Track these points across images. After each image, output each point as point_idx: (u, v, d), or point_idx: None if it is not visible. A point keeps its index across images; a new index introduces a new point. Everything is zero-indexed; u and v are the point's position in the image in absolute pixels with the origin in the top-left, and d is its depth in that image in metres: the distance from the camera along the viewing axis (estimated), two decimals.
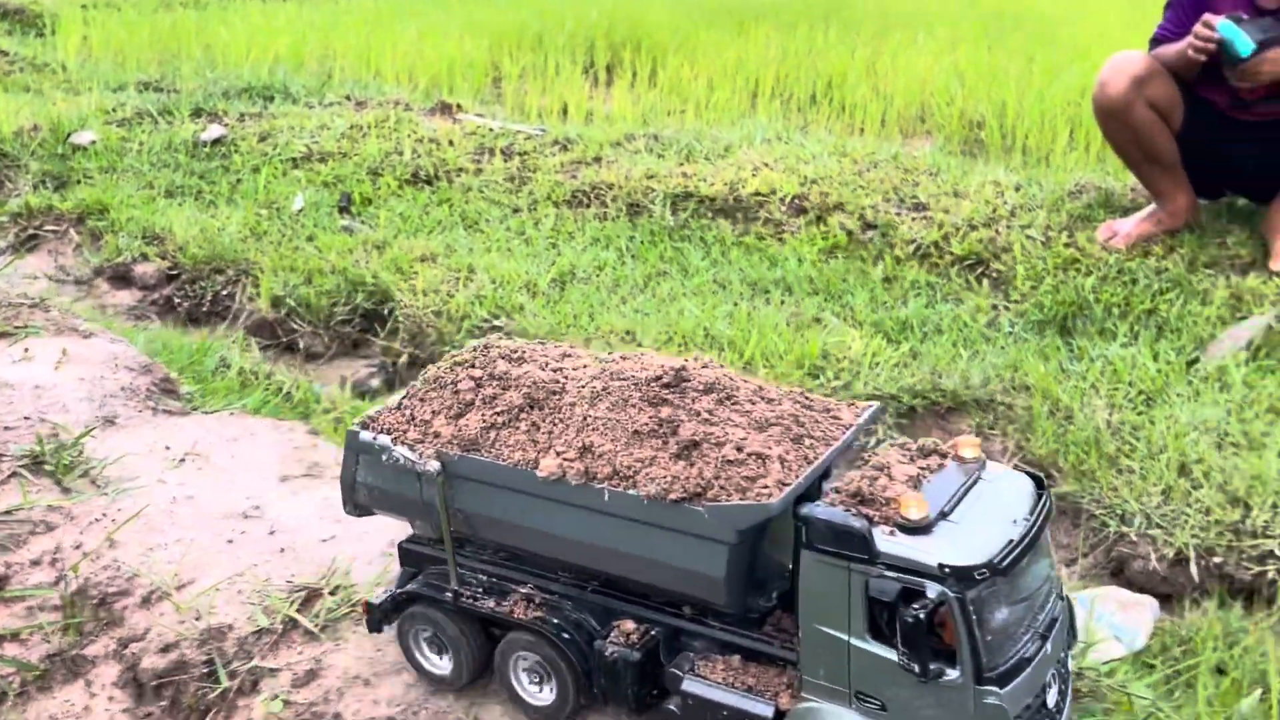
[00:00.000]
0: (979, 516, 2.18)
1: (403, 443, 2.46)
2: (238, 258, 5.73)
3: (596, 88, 8.51)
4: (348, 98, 8.06)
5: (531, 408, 2.47)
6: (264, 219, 6.17)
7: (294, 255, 5.64)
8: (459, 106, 7.63)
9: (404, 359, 5.02)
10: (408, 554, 2.71)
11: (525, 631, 2.47)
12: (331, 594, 2.89)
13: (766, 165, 6.21)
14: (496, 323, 4.92)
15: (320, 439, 3.69)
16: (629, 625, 2.48)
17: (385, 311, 5.26)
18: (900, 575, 2.04)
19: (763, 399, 2.55)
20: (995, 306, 5.00)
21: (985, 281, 5.20)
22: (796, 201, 5.85)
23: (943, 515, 2.14)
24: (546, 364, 2.65)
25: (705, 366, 2.55)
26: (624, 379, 2.46)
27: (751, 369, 4.50)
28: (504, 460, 2.43)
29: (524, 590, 2.56)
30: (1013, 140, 6.99)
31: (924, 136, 7.51)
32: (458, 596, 2.55)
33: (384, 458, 2.47)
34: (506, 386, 2.52)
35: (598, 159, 6.59)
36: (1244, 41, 4.52)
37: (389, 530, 3.10)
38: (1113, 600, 3.06)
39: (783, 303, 5.11)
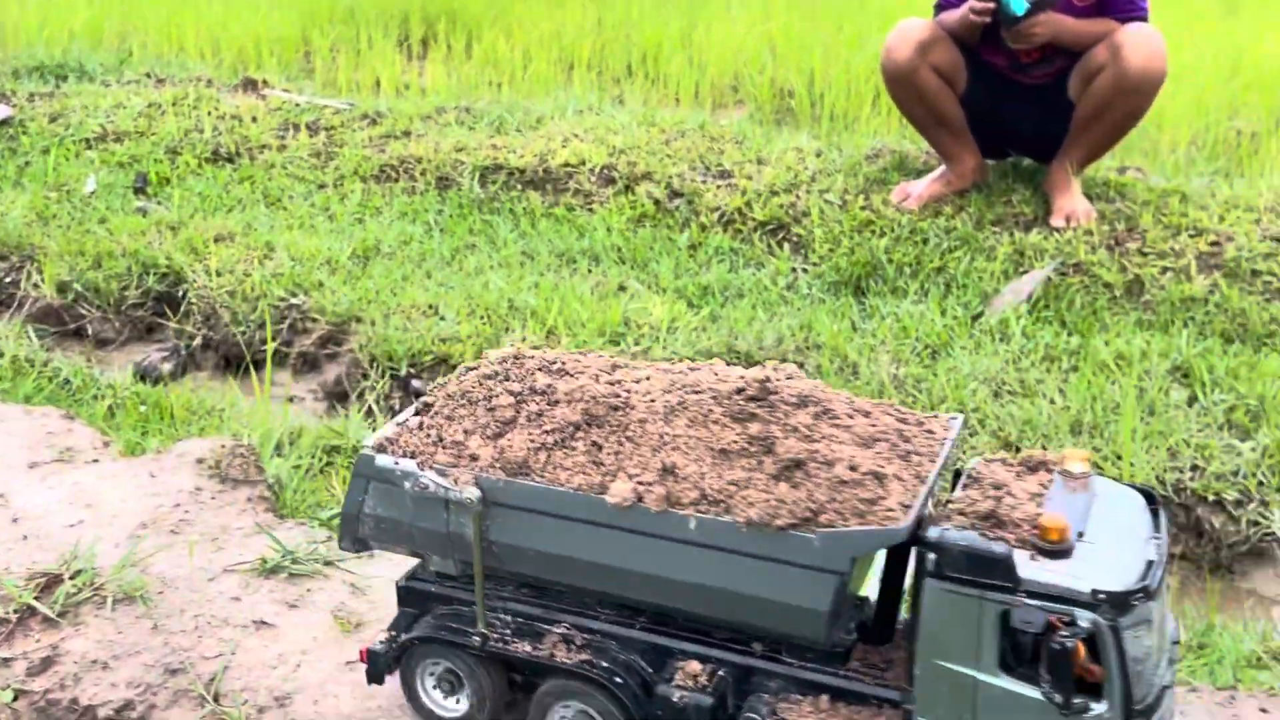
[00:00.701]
0: (1111, 536, 2.03)
1: (431, 467, 2.19)
2: (22, 243, 5.44)
3: (411, 61, 8.37)
4: (148, 75, 7.74)
5: (590, 425, 2.20)
6: (53, 202, 5.89)
7: (84, 239, 5.39)
8: (265, 82, 7.40)
9: (198, 341, 4.86)
10: (410, 593, 2.42)
11: (569, 678, 2.22)
12: (72, 578, 2.77)
13: (577, 136, 6.20)
14: (294, 300, 4.80)
15: (76, 423, 3.54)
16: (694, 666, 2.25)
17: (179, 294, 5.07)
18: (1045, 603, 1.89)
19: (859, 411, 2.33)
20: (794, 269, 5.11)
21: (786, 245, 5.31)
22: (605, 172, 5.86)
23: (1079, 536, 1.99)
24: (597, 376, 2.39)
25: (790, 377, 2.33)
26: (700, 391, 2.23)
27: (555, 338, 4.51)
28: (561, 485, 2.15)
29: (559, 630, 2.31)
30: (821, 108, 7.14)
31: (737, 106, 7.60)
32: (486, 640, 2.28)
33: (407, 485, 2.19)
34: (555, 401, 2.26)
35: (407, 133, 6.48)
36: (1018, 2, 4.71)
37: (139, 513, 3.00)
38: None
39: (589, 272, 5.12)
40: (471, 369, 2.46)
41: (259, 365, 4.45)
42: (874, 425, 2.27)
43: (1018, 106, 5.15)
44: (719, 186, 5.65)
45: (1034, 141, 5.33)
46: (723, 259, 5.24)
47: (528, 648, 2.27)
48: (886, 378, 4.18)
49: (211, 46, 8.36)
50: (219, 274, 5.01)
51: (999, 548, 1.93)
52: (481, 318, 4.60)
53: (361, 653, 2.39)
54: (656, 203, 5.63)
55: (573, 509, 2.16)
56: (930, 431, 2.33)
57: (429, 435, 2.27)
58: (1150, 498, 2.21)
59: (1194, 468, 3.73)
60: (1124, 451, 3.78)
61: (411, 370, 4.35)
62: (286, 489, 3.18)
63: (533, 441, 2.20)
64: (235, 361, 4.80)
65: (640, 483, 2.11)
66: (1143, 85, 4.79)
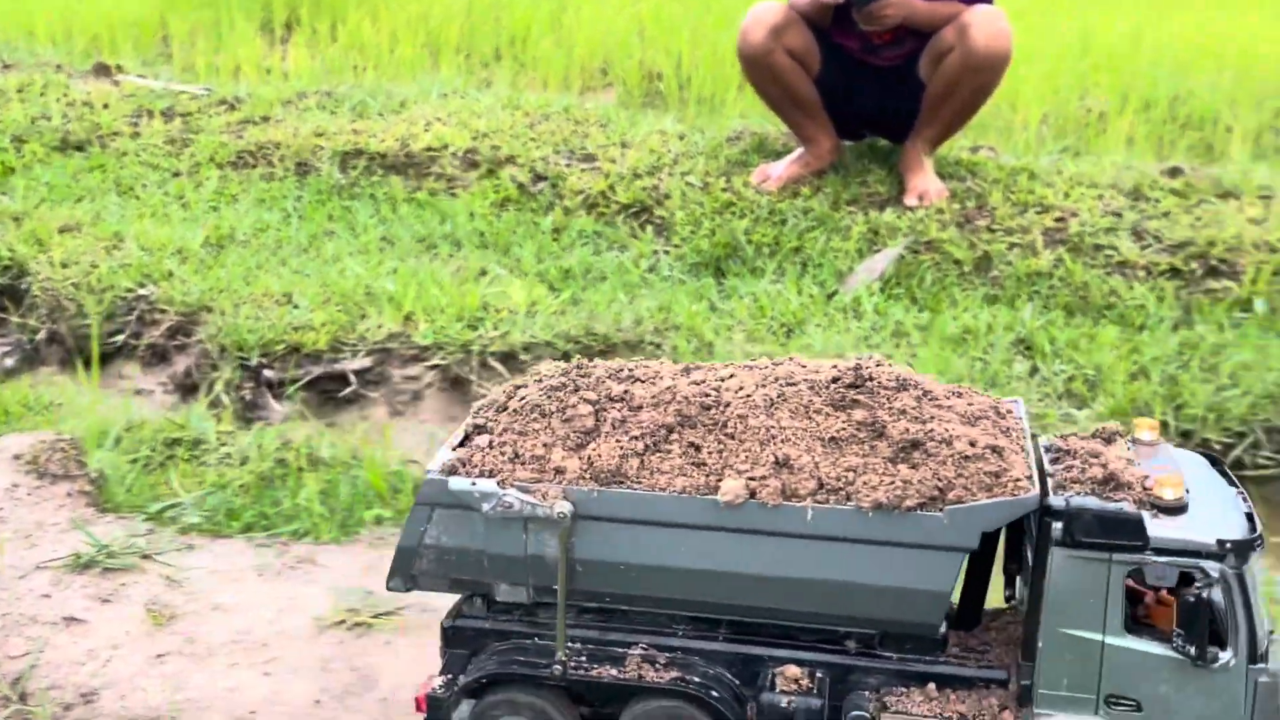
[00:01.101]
0: (1203, 493, 2.09)
1: (513, 484, 2.08)
2: None
3: (274, 46, 8.18)
4: None
5: (684, 426, 2.13)
6: None
7: None
8: (119, 68, 7.17)
9: (42, 335, 4.69)
10: (458, 633, 2.29)
11: (660, 698, 2.15)
12: None
13: (440, 120, 6.14)
14: (143, 291, 4.67)
15: None
16: (794, 670, 2.21)
17: (22, 287, 4.89)
18: (1174, 558, 1.93)
19: (952, 393, 2.31)
20: (656, 252, 5.14)
21: (649, 228, 5.33)
22: (468, 156, 5.82)
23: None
24: (674, 379, 2.29)
25: (879, 364, 2.28)
26: (795, 383, 2.18)
27: (413, 323, 4.47)
28: (661, 489, 2.08)
29: (638, 651, 2.23)
30: (689, 90, 7.17)
31: (606, 89, 7.60)
32: (566, 668, 2.18)
33: (487, 507, 2.06)
34: (637, 406, 2.18)
35: (266, 118, 6.34)
36: None
37: None
38: None
39: (451, 257, 5.08)
40: (521, 386, 2.34)
41: (107, 359, 4.32)
42: (970, 404, 2.27)
43: (870, 87, 5.24)
44: (583, 170, 5.65)
45: (886, 122, 5.43)
46: (586, 242, 5.24)
47: (612, 671, 2.19)
48: (741, 357, 4.23)
49: (63, 31, 8.06)
50: (64, 265, 4.85)
51: (1129, 508, 1.97)
52: (337, 305, 4.53)
53: (419, 700, 2.23)
54: (520, 186, 5.61)
55: (677, 513, 2.08)
56: (1003, 412, 2.34)
57: (503, 453, 2.15)
58: (1212, 459, 2.29)
59: (1031, 437, 3.84)
60: None
61: (263, 360, 4.27)
62: (114, 483, 3.10)
63: (623, 449, 2.12)
64: (83, 355, 4.66)
65: (752, 478, 2.06)
66: (989, 64, 4.91)
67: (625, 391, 2.20)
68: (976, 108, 5.17)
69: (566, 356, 4.32)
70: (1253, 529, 2.00)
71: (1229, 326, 4.45)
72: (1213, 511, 2.04)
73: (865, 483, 2.02)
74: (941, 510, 2.00)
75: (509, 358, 4.28)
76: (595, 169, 5.65)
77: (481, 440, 2.19)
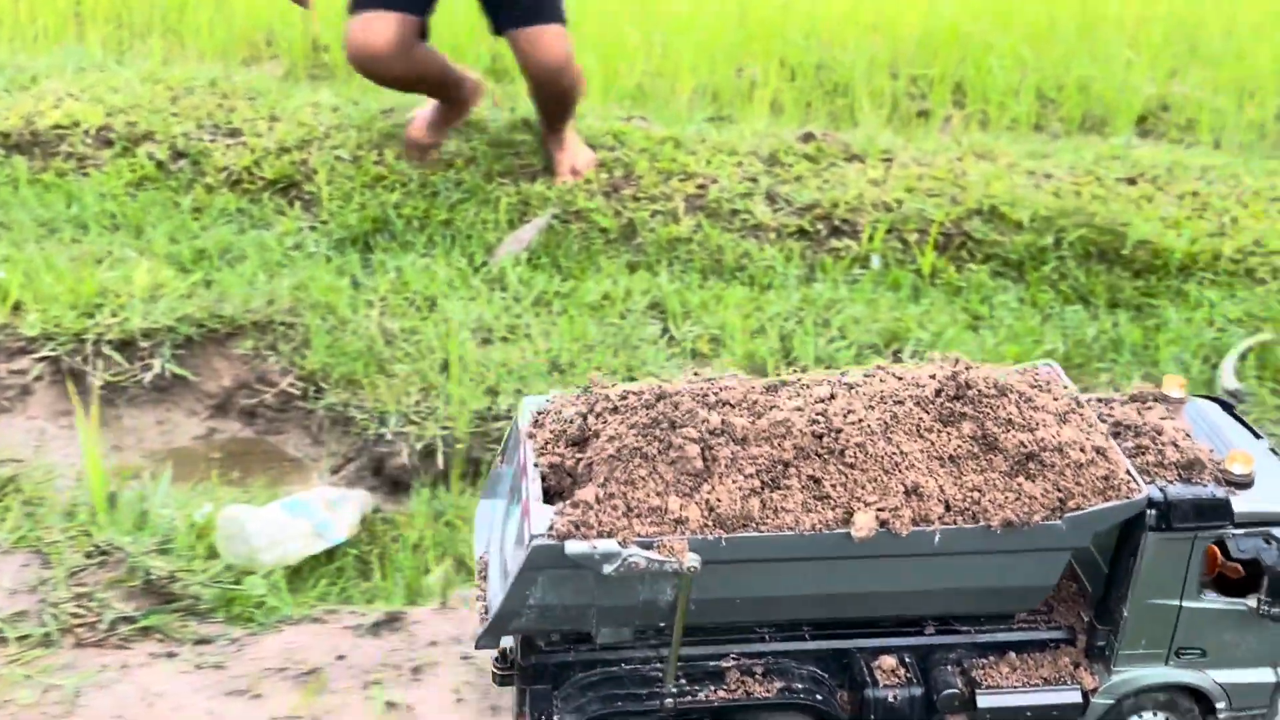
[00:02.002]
0: (1254, 457, 2.27)
1: (633, 542, 1.98)
2: None
3: None
4: None
5: (800, 459, 2.07)
6: None
7: None
8: None
9: None
10: (540, 670, 2.20)
11: (768, 711, 2.15)
12: None
13: (72, 96, 5.75)
14: None
15: None
16: (890, 661, 2.26)
17: None
18: (1250, 529, 2.18)
19: (1041, 388, 2.33)
20: (302, 228, 5.00)
21: (297, 204, 5.18)
22: (102, 133, 5.48)
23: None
24: (755, 401, 2.20)
25: (969, 369, 2.27)
26: (901, 402, 2.16)
27: (21, 313, 4.18)
28: (791, 529, 2.03)
29: (732, 663, 2.21)
30: None
31: (272, 61, 7.32)
32: (679, 696, 2.16)
33: (609, 568, 1.96)
34: (743, 439, 2.08)
35: None
36: None
37: None
38: (320, 499, 3.19)
39: (75, 241, 4.78)
40: (590, 413, 2.23)
41: None
42: (1053, 395, 2.31)
43: None
44: (228, 145, 5.43)
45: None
46: (229, 220, 5.05)
47: (719, 693, 2.16)
48: (377, 332, 4.19)
49: None
50: None
51: (1220, 493, 2.18)
52: None
53: None
54: (159, 164, 5.34)
55: (806, 550, 2.05)
56: (1048, 379, 2.41)
57: (615, 508, 2.03)
58: (1226, 406, 2.53)
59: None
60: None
61: None
62: None
63: (742, 489, 2.04)
64: None
65: (880, 509, 2.04)
66: (549, 77, 4.95)
67: (724, 423, 2.11)
68: (572, 102, 5.20)
69: (190, 341, 4.16)
70: None
71: (846, 283, 4.74)
72: (1269, 476, 2.28)
73: (991, 501, 2.08)
74: (1061, 519, 2.10)
75: (126, 345, 4.07)
76: (241, 144, 5.44)
77: (587, 494, 2.05)
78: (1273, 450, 2.39)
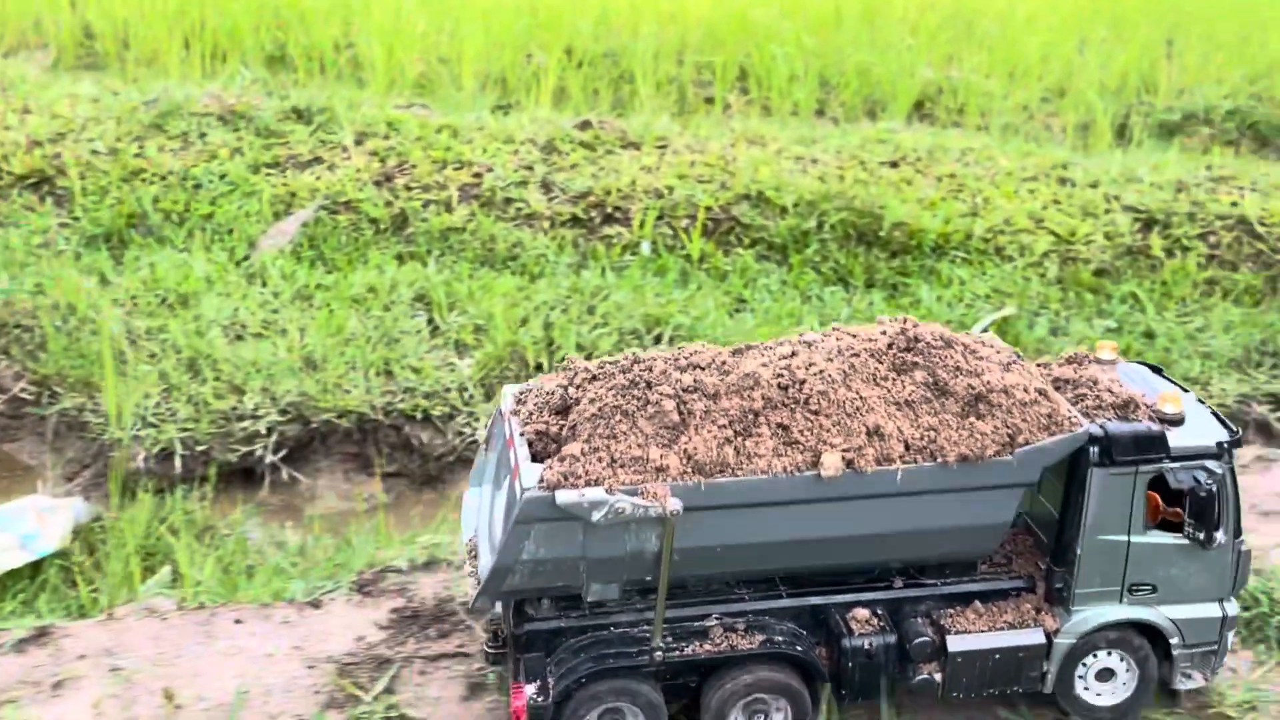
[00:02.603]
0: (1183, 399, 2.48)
1: (619, 490, 2.13)
2: None
3: None
4: None
5: (769, 409, 2.26)
6: None
7: None
8: None
9: None
10: (534, 638, 2.30)
11: (753, 663, 2.32)
12: None
13: None
14: None
15: None
16: (863, 613, 2.45)
17: None
18: (1185, 463, 2.37)
19: (983, 343, 2.52)
20: (53, 226, 4.79)
21: (49, 200, 4.96)
22: None
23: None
24: (723, 363, 2.40)
25: (917, 325, 2.47)
26: (858, 354, 2.36)
27: None
28: (764, 473, 2.21)
29: (715, 621, 2.38)
30: (129, 51, 6.73)
31: (41, 50, 6.98)
32: (667, 653, 2.31)
33: (596, 515, 2.12)
34: (716, 395, 2.26)
35: None
36: None
37: None
38: (31, 509, 3.06)
39: None
40: (558, 385, 2.37)
41: None
42: (994, 348, 2.52)
43: None
44: None
45: None
46: None
47: (706, 647, 2.32)
48: (121, 332, 4.04)
49: None
50: None
51: (1156, 428, 2.39)
52: None
53: (516, 712, 2.22)
54: None
55: (779, 492, 2.22)
56: (988, 340, 2.62)
57: (600, 459, 2.18)
58: (1155, 368, 2.74)
59: (406, 389, 3.95)
60: (344, 381, 3.92)
61: None
62: None
63: (716, 439, 2.21)
64: None
65: (846, 450, 2.23)
66: None
67: (696, 380, 2.29)
68: None
69: None
70: (1233, 429, 2.48)
71: (616, 270, 4.78)
72: (1198, 418, 2.52)
73: (946, 439, 2.30)
74: (1011, 454, 2.31)
75: None
76: None
77: (573, 449, 2.19)
78: (1199, 400, 2.63)
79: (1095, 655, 2.53)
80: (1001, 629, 2.46)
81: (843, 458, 2.23)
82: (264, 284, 4.49)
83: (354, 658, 2.64)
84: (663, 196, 5.11)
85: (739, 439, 2.25)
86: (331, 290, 4.48)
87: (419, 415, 3.89)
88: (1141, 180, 5.39)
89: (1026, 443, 2.30)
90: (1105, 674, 2.57)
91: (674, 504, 2.14)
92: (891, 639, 2.43)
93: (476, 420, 3.96)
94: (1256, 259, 5.06)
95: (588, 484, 2.17)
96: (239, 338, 4.13)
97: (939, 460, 2.28)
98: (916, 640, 2.43)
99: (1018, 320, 4.60)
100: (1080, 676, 2.54)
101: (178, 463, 3.60)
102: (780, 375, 2.33)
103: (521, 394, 2.52)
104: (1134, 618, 2.49)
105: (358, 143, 5.33)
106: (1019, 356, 2.55)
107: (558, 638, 2.34)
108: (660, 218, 5.03)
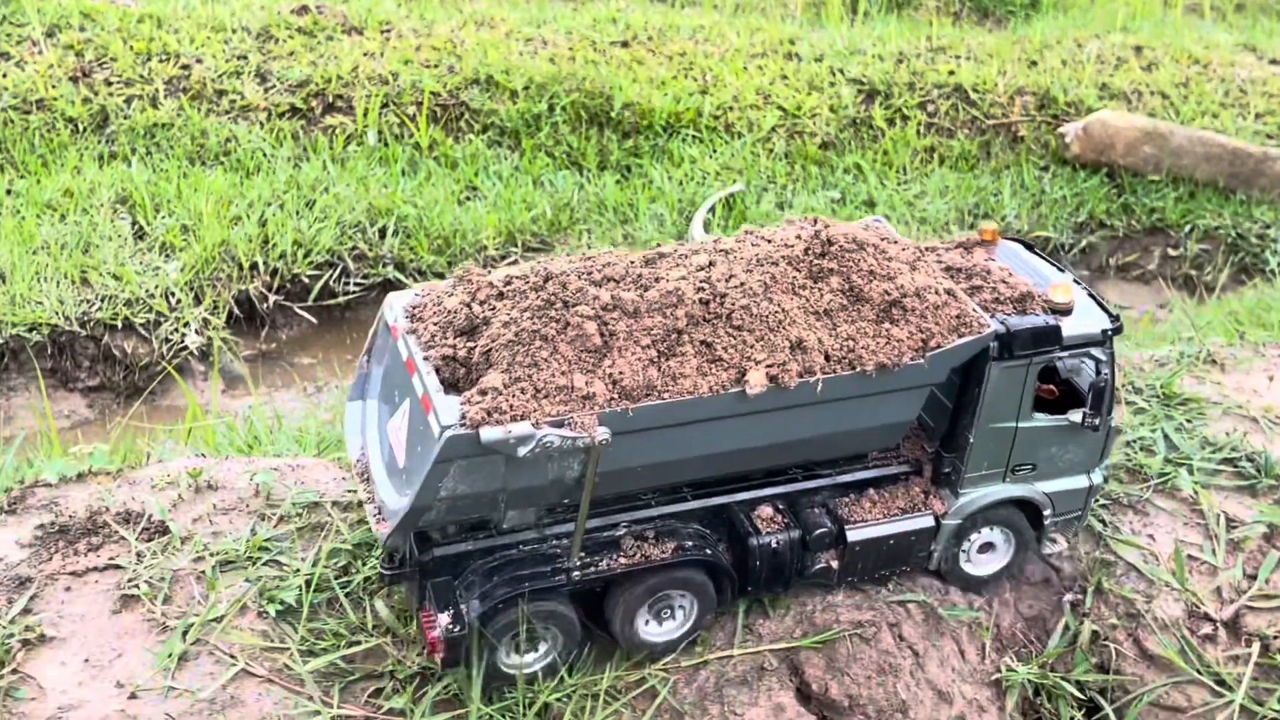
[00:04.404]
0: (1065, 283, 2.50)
1: (545, 423, 2.02)
2: None
3: None
4: None
5: (692, 326, 2.15)
6: None
7: None
8: None
9: None
10: (440, 563, 2.21)
11: (660, 572, 2.31)
12: None
13: None
14: None
15: None
16: (767, 511, 2.45)
17: None
18: (1073, 351, 2.43)
19: (888, 240, 2.47)
20: None
21: None
22: None
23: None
24: (639, 275, 2.25)
25: (828, 225, 2.42)
26: (776, 263, 2.27)
27: None
28: (691, 394, 2.13)
29: (624, 531, 2.33)
30: None
31: None
32: (585, 569, 2.27)
33: (523, 450, 1.97)
34: (636, 312, 2.13)
35: None
36: None
37: None
38: None
39: None
40: (473, 300, 2.21)
41: None
42: (901, 246, 2.48)
43: None
44: None
45: None
46: None
47: (621, 560, 2.28)
48: None
49: None
50: None
51: (1052, 321, 2.41)
52: None
53: (432, 642, 2.14)
54: None
55: (705, 411, 2.16)
56: (886, 234, 2.56)
57: (524, 391, 2.06)
58: (1028, 245, 2.73)
59: (105, 298, 3.71)
60: (34, 293, 3.65)
61: None
62: None
63: (640, 360, 2.14)
64: None
65: (771, 366, 2.18)
66: None
67: (615, 298, 2.18)
68: None
69: None
70: (1114, 315, 2.51)
71: (338, 161, 4.59)
72: (1083, 305, 2.52)
73: (864, 348, 2.28)
74: (924, 358, 2.30)
75: None
76: None
77: (494, 380, 2.07)
78: (1076, 281, 2.64)
79: (979, 532, 2.61)
80: (895, 515, 2.52)
81: (767, 374, 2.18)
82: None
83: None
84: (387, 83, 4.91)
85: (663, 359, 2.17)
86: (23, 197, 4.13)
87: (120, 324, 3.66)
88: (865, 53, 5.52)
89: (938, 346, 2.30)
90: (986, 547, 2.68)
91: (602, 433, 2.06)
92: (796, 534, 2.44)
93: (186, 326, 3.76)
94: (971, 125, 5.28)
95: (513, 419, 2.04)
96: None
97: (858, 369, 2.26)
98: (816, 532, 2.45)
99: (745, 196, 4.67)
100: (964, 551, 2.65)
101: None
102: (701, 289, 2.25)
103: (414, 308, 2.32)
104: (1015, 495, 2.57)
105: (49, 35, 4.90)
106: (920, 251, 2.54)
107: (464, 560, 2.27)
108: (385, 105, 4.84)
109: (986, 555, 2.70)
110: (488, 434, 2.00)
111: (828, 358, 2.24)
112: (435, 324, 2.25)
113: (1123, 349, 3.45)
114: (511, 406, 2.04)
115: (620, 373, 2.11)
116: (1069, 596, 2.71)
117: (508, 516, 2.23)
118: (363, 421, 2.41)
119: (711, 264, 2.34)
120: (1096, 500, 2.83)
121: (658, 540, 2.34)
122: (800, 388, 2.20)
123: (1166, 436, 3.01)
